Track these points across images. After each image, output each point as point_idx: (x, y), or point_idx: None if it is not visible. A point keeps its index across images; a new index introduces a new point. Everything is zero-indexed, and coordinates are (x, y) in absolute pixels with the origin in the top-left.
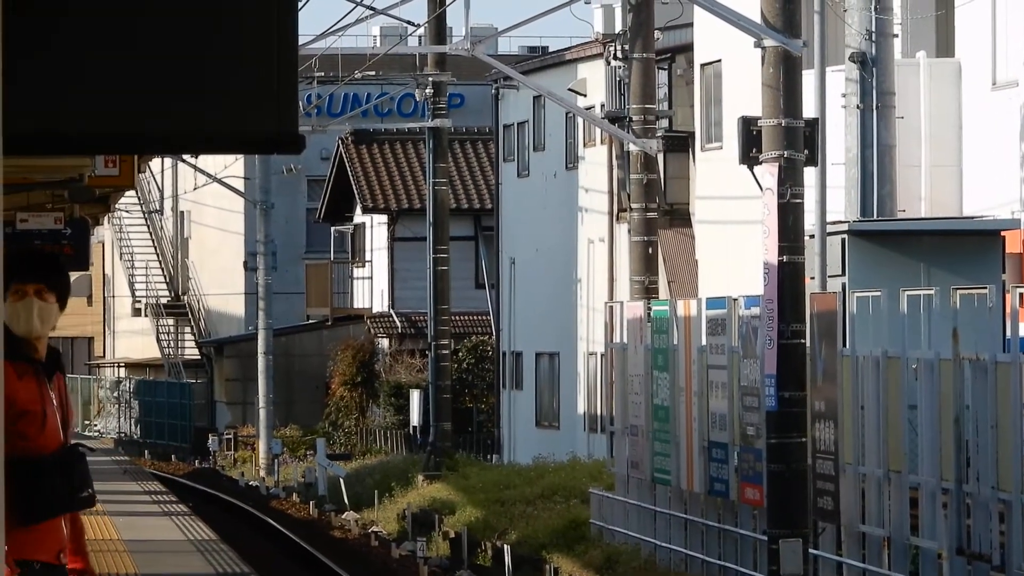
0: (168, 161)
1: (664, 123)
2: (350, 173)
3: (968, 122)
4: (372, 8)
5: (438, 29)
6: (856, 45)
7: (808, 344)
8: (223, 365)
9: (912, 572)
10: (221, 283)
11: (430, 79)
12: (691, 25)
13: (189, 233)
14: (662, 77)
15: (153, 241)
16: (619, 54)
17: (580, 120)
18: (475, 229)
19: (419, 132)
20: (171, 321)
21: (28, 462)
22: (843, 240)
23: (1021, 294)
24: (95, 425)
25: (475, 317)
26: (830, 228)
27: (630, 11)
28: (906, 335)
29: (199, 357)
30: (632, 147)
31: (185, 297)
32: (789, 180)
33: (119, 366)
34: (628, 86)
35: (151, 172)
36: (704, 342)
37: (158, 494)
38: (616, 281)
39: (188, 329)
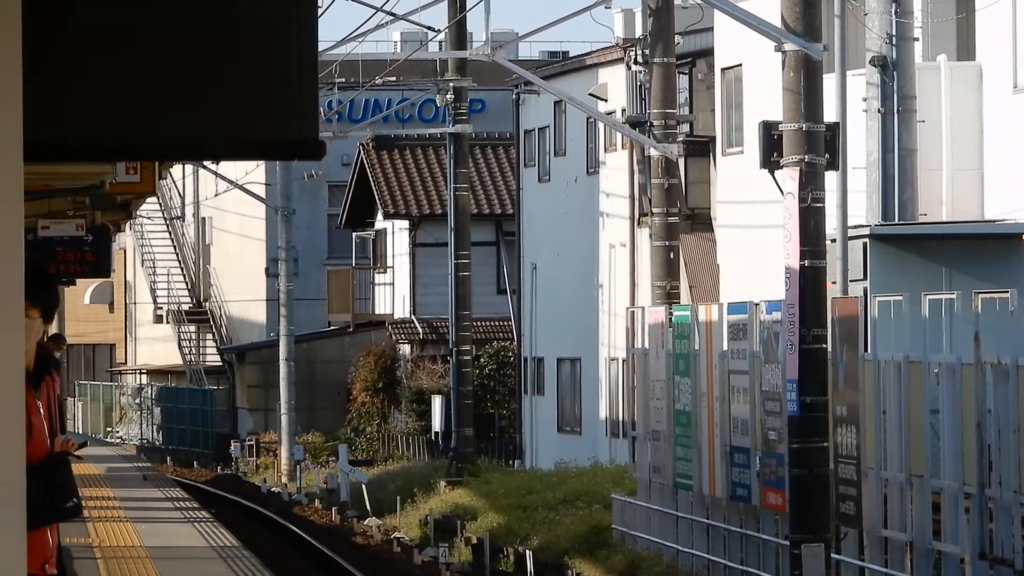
0: (189, 168)
1: (685, 128)
2: (371, 179)
3: (989, 125)
4: (392, 14)
5: (458, 34)
6: (877, 49)
7: (830, 349)
8: (245, 371)
9: None
10: (242, 289)
11: (451, 84)
12: (711, 29)
13: (210, 239)
14: (683, 82)
15: (175, 247)
16: (640, 59)
17: (601, 125)
18: (496, 234)
19: (440, 137)
20: (193, 328)
21: None
22: (864, 244)
23: None
24: (117, 432)
25: (497, 323)
26: (851, 232)
27: (650, 16)
28: (928, 339)
29: (221, 363)
30: (653, 152)
31: (207, 303)
32: (810, 184)
33: (141, 373)
34: (649, 91)
35: (172, 179)
36: (726, 347)
37: (180, 500)
38: (638, 286)
39: (210, 335)
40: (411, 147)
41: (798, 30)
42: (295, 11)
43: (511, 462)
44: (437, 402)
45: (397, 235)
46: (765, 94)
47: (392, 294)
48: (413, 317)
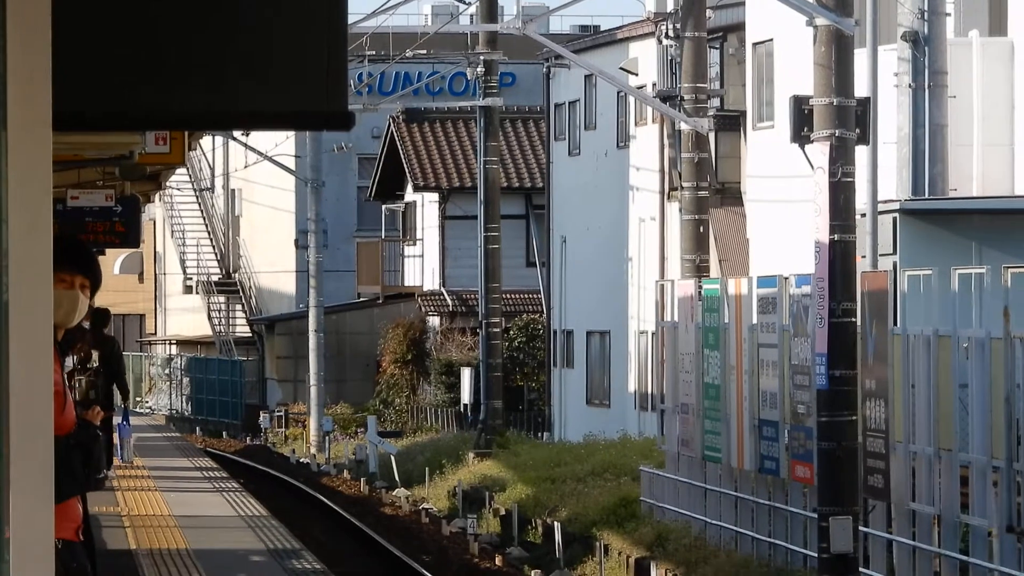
0: (219, 139)
1: (716, 102)
2: (401, 151)
3: (1020, 101)
4: None
5: (489, 7)
6: (908, 24)
7: (859, 323)
8: (274, 343)
9: (962, 550)
10: (272, 261)
11: (481, 58)
12: (743, 4)
13: (240, 211)
14: (714, 56)
15: (204, 219)
16: (671, 33)
17: (631, 99)
18: (526, 207)
19: (470, 111)
20: (222, 298)
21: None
22: (894, 219)
23: None
24: (146, 402)
25: (526, 295)
26: (881, 207)
27: None
28: (957, 314)
29: (250, 334)
30: (683, 126)
31: (236, 275)
32: (840, 159)
33: (170, 343)
34: (680, 65)
35: (202, 150)
36: (755, 321)
37: (209, 470)
38: (667, 260)
39: (239, 306)
40: (441, 120)
41: (830, 4)
42: None
43: (540, 434)
44: (466, 374)
45: (427, 207)
46: (796, 69)
47: (421, 266)
48: (442, 289)
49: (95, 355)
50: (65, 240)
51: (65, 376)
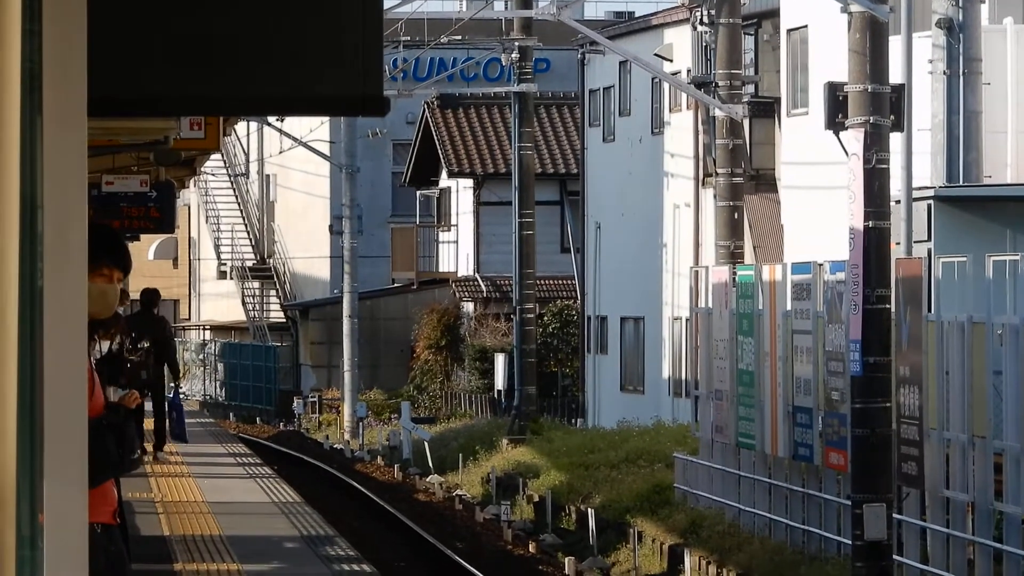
0: (254, 124)
1: (750, 88)
2: (436, 137)
3: None
4: None
5: None
6: (943, 11)
7: (893, 309)
8: (308, 328)
9: (996, 537)
10: (306, 246)
11: (516, 44)
12: None
13: (275, 196)
14: (748, 42)
15: (239, 204)
16: (705, 19)
17: (666, 85)
18: (560, 194)
19: (505, 97)
20: (256, 284)
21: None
22: (929, 206)
23: None
24: (181, 387)
25: (560, 281)
26: (916, 194)
27: None
28: (991, 300)
29: (284, 320)
30: (718, 112)
31: (270, 260)
32: (875, 146)
33: (204, 328)
34: (714, 51)
35: (236, 135)
36: (789, 307)
37: (242, 456)
38: (702, 246)
39: (273, 292)
40: (476, 106)
41: None
42: None
43: (573, 421)
44: (500, 360)
45: (461, 193)
46: (830, 55)
47: (456, 252)
48: (477, 275)
49: (141, 337)
50: (100, 229)
51: (92, 361)
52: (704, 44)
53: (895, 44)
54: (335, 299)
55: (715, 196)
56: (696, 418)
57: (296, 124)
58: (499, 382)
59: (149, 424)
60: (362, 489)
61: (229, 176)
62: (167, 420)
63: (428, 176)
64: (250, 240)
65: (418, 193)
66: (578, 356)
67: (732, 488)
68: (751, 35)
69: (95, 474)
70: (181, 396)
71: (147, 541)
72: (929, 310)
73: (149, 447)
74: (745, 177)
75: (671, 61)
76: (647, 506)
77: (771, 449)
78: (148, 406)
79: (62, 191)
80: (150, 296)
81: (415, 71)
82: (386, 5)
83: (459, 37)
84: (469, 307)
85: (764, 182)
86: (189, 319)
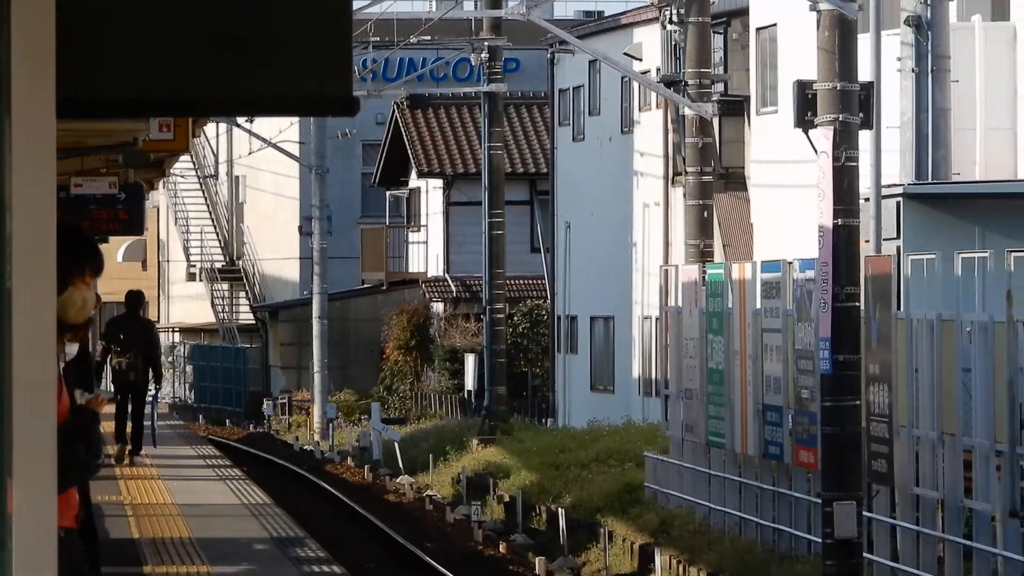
0: (223, 126)
1: (719, 87)
2: (405, 138)
3: (1023, 85)
4: None
5: None
6: (911, 8)
7: (863, 307)
8: (278, 330)
9: (966, 534)
10: (276, 248)
11: (485, 44)
12: None
13: (244, 198)
14: (717, 41)
15: (208, 206)
16: (675, 18)
17: (636, 84)
18: (530, 193)
19: (474, 97)
20: (226, 286)
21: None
22: (898, 203)
23: None
24: (149, 389)
25: (530, 281)
26: (885, 191)
27: None
28: (960, 298)
29: (254, 322)
30: (687, 111)
31: (240, 262)
32: (844, 144)
33: (174, 331)
34: (684, 50)
35: (206, 137)
36: (759, 305)
37: (212, 458)
38: (671, 245)
39: (243, 294)
40: (445, 106)
41: None
42: None
43: (544, 420)
44: (470, 360)
45: (431, 194)
46: (799, 54)
47: (426, 252)
48: (447, 275)
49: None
50: (82, 236)
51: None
52: (673, 43)
53: (864, 42)
54: (305, 300)
55: (685, 195)
56: (666, 417)
57: (265, 125)
58: (469, 382)
59: (107, 427)
60: (332, 490)
61: (198, 177)
62: (151, 423)
63: (398, 176)
64: (219, 242)
65: (388, 193)
66: (548, 356)
67: (702, 487)
68: (720, 34)
69: (63, 479)
70: (151, 399)
71: (116, 544)
72: (898, 308)
73: (112, 449)
74: (715, 176)
75: (640, 60)
76: (618, 505)
77: (741, 448)
78: (111, 408)
79: (31, 193)
80: (135, 298)
81: (385, 71)
82: (355, 5)
83: (429, 37)
84: (439, 307)
85: (734, 180)
86: (158, 321)
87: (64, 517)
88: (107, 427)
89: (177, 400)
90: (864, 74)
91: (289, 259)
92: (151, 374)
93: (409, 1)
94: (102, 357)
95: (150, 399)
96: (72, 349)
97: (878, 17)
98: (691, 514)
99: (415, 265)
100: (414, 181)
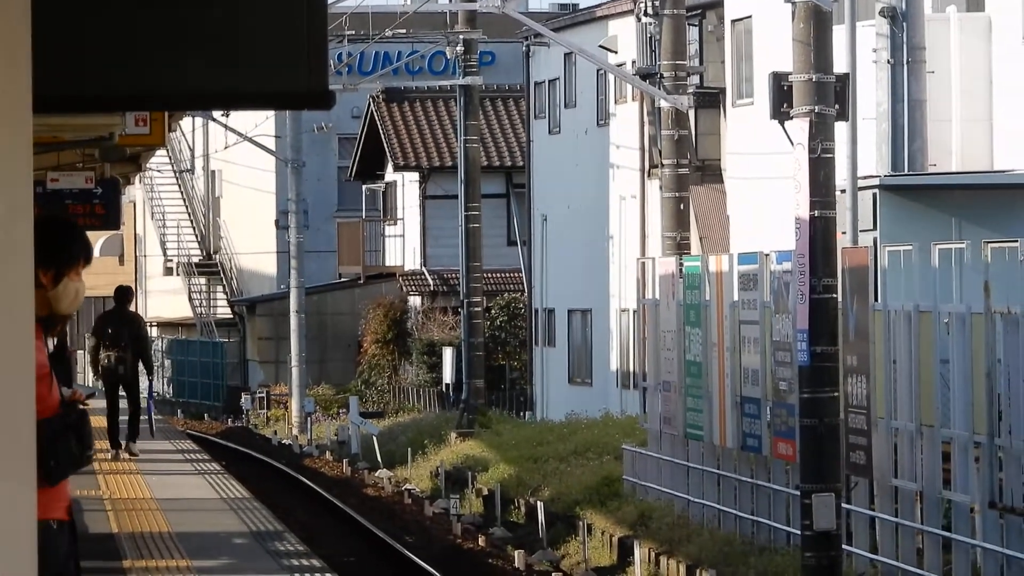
0: (199, 120)
1: (695, 79)
2: (381, 131)
3: (998, 76)
4: None
5: None
6: (886, 0)
7: (840, 299)
8: (255, 324)
9: (945, 526)
10: (253, 242)
11: (461, 37)
12: None
13: (220, 192)
14: (693, 33)
15: (184, 200)
16: (650, 10)
17: (611, 77)
18: (507, 186)
19: (450, 90)
20: (203, 280)
21: (44, 424)
22: (874, 195)
23: None
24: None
25: (507, 274)
26: (861, 183)
27: None
28: (938, 289)
29: (231, 316)
30: (663, 103)
31: (217, 256)
32: (820, 135)
33: (151, 325)
34: (659, 43)
35: (182, 131)
36: (736, 297)
37: (191, 452)
38: (648, 237)
39: (220, 288)
40: (421, 99)
41: None
42: None
43: (522, 413)
44: (448, 354)
45: (407, 187)
46: (775, 46)
47: (403, 246)
48: (424, 269)
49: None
50: (71, 225)
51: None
52: (649, 35)
53: (839, 33)
54: (282, 294)
55: (661, 187)
56: (644, 410)
57: (241, 119)
58: (447, 376)
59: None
60: (311, 484)
61: (175, 172)
62: (148, 416)
63: (374, 170)
64: (196, 236)
65: (364, 187)
66: (526, 349)
67: (681, 479)
68: (695, 26)
69: (58, 472)
70: (146, 392)
71: (96, 538)
72: (876, 299)
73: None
74: (691, 168)
75: (616, 52)
76: (596, 498)
77: (720, 440)
78: (102, 403)
79: (7, 188)
80: (124, 293)
81: (360, 65)
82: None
83: (404, 31)
84: (416, 301)
85: (710, 173)
86: None
87: (57, 509)
88: (97, 422)
89: (155, 395)
90: (840, 65)
91: (266, 253)
92: (142, 367)
93: None
94: (93, 353)
95: (145, 392)
96: (50, 344)
97: (853, 8)
98: (670, 507)
99: (392, 259)
100: (390, 175)
